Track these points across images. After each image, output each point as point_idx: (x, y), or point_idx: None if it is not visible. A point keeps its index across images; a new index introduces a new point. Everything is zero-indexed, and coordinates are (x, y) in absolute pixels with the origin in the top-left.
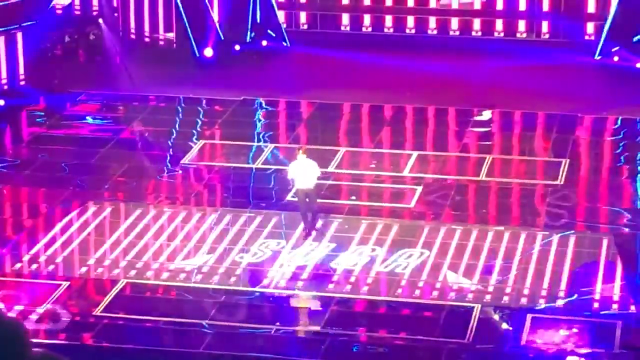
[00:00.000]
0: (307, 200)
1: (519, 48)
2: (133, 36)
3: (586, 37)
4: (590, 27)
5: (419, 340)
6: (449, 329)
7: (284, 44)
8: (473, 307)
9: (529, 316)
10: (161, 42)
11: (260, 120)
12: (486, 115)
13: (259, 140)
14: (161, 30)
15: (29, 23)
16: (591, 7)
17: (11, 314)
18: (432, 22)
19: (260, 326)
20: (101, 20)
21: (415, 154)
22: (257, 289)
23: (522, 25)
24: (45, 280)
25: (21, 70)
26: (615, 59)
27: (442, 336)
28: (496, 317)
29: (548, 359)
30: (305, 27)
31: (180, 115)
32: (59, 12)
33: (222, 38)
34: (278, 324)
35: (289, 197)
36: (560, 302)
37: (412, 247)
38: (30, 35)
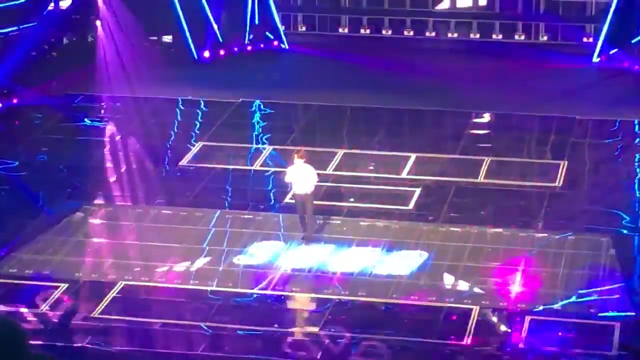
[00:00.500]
0: (305, 206)
1: (517, 50)
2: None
3: (585, 40)
4: (588, 29)
5: (417, 342)
6: (447, 331)
7: (282, 45)
8: (471, 309)
9: (527, 318)
10: (159, 44)
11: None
12: (485, 117)
13: (257, 142)
14: (160, 32)
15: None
16: (589, 10)
17: (8, 316)
18: (430, 25)
19: (258, 328)
20: (99, 23)
21: (413, 156)
22: (255, 290)
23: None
24: (42, 283)
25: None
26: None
27: (440, 338)
28: (494, 319)
29: None
30: (304, 29)
31: (179, 117)
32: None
33: (221, 40)
34: (276, 325)
35: (287, 199)
36: (558, 304)
37: (410, 249)
38: (28, 37)
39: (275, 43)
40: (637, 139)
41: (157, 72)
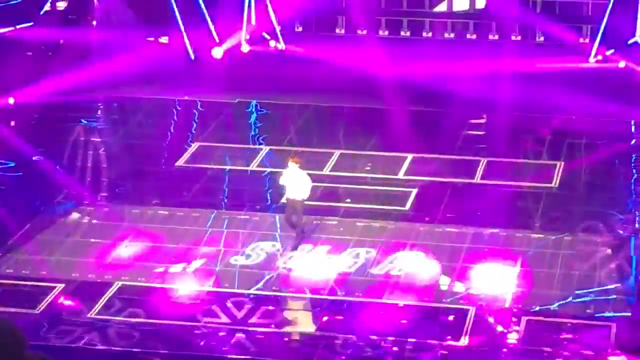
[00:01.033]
0: (294, 214)
1: (513, 51)
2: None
3: (581, 40)
4: (584, 30)
5: (414, 342)
6: (443, 332)
7: (279, 46)
8: (468, 310)
9: (523, 319)
10: (156, 45)
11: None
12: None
13: (253, 143)
14: (156, 33)
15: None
16: (585, 10)
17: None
18: (427, 25)
19: (255, 328)
20: (95, 23)
21: (410, 156)
22: (251, 291)
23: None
24: (39, 283)
25: (15, 71)
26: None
27: (436, 339)
28: (491, 319)
29: None
30: (300, 29)
31: (175, 117)
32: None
33: (217, 41)
34: (273, 326)
35: (283, 200)
36: (555, 305)
37: (406, 250)
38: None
39: (272, 43)
40: (633, 140)
41: (154, 72)
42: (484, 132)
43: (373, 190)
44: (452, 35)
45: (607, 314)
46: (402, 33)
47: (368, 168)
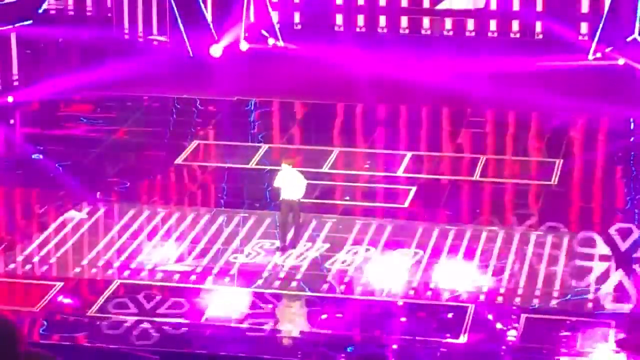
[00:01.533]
0: (291, 213)
1: (513, 48)
2: (126, 37)
3: (580, 38)
4: (583, 27)
5: (413, 340)
6: (442, 329)
7: (278, 44)
8: (467, 307)
9: (523, 316)
10: (155, 43)
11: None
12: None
13: (252, 141)
14: (155, 31)
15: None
16: (584, 7)
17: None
18: (426, 22)
19: (254, 326)
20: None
21: (409, 154)
22: (250, 289)
23: (515, 25)
24: (39, 281)
25: (14, 70)
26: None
27: (435, 336)
28: (490, 317)
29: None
30: (299, 27)
31: (174, 115)
32: (53, 12)
33: (216, 38)
34: (271, 323)
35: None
36: (554, 302)
37: (405, 248)
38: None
39: (271, 40)
40: (632, 137)
41: (152, 70)
42: (483, 130)
43: (372, 188)
44: (451, 32)
45: (606, 311)
46: (401, 31)
47: (367, 166)
